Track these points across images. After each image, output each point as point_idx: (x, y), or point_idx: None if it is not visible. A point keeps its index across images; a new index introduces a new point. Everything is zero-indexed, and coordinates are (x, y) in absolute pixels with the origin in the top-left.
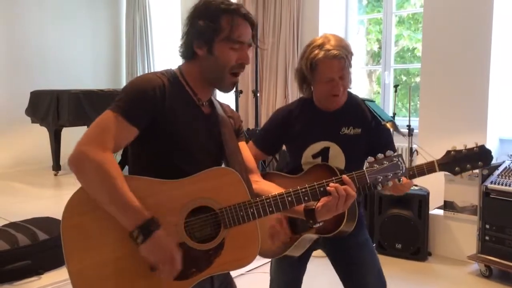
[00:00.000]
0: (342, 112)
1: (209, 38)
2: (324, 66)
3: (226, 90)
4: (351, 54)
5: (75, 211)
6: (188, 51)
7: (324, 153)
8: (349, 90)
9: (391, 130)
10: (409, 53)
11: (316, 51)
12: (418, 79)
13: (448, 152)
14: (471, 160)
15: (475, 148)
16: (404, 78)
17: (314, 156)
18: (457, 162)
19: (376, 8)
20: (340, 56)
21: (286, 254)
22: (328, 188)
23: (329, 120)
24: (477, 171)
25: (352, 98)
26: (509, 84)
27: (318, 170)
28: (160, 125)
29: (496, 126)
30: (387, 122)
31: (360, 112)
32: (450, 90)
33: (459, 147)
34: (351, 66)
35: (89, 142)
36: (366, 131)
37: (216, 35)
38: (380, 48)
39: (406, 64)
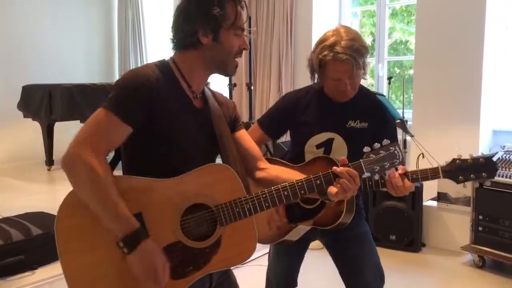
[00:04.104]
0: (351, 104)
1: (216, 25)
2: (332, 67)
3: (231, 74)
4: (363, 54)
5: (69, 212)
6: (190, 40)
7: (328, 144)
8: (360, 83)
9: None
10: (402, 46)
11: (326, 52)
12: (411, 72)
13: (454, 160)
14: (475, 170)
15: (481, 159)
16: (397, 70)
17: (318, 146)
18: (461, 171)
19: (369, 0)
20: (349, 61)
21: (285, 239)
22: (337, 169)
23: (336, 112)
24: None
25: (363, 91)
26: (502, 76)
27: (319, 162)
28: (153, 122)
29: (490, 118)
30: (396, 120)
31: (369, 106)
32: (443, 82)
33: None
34: (361, 67)
35: (82, 143)
36: (372, 125)
37: (223, 22)
38: (373, 40)
39: (399, 56)
